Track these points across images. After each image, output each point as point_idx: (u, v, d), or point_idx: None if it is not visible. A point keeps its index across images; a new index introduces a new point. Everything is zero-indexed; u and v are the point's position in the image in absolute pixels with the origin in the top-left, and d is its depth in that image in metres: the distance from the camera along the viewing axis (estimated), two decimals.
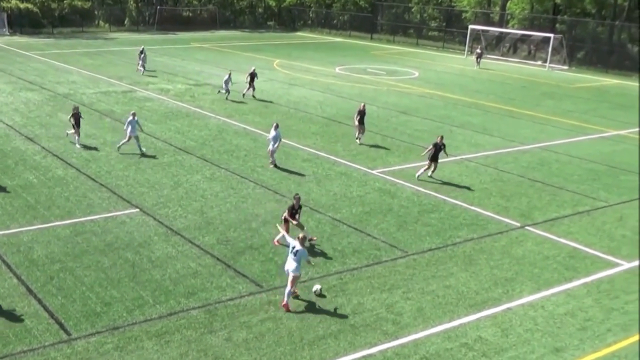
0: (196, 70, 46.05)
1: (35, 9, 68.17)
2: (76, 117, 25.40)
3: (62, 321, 13.30)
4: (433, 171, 23.26)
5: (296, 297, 14.53)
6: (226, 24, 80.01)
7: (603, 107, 39.63)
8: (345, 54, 59.37)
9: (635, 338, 13.66)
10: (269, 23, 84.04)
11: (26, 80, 39.88)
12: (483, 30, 63.70)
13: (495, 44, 65.17)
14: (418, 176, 23.09)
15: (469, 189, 22.66)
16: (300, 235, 14.25)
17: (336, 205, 20.44)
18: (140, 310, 13.79)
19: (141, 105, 33.55)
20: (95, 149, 25.40)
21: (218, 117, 31.57)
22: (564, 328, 13.94)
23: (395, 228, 18.84)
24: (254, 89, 36.56)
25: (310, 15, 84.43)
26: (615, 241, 18.77)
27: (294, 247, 14.07)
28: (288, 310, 13.96)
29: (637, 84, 50.22)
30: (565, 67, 57.21)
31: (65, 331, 12.97)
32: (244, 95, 36.47)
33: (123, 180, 21.80)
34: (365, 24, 76.87)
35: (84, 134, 26.81)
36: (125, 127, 24.88)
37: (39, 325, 13.14)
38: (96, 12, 74.59)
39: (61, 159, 23.95)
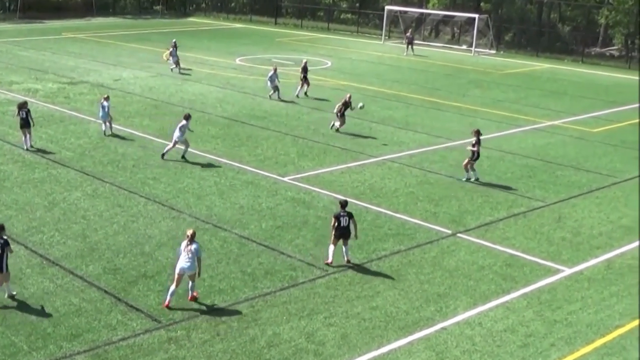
0: (70, 65, 44.85)
1: None
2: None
3: None
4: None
5: (194, 299, 15.56)
6: (104, 10, 78.32)
7: (535, 95, 41.26)
8: (246, 42, 59.30)
9: (580, 352, 14.26)
10: (155, 7, 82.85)
11: None
12: (401, 12, 65.05)
13: (415, 27, 66.63)
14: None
15: (393, 193, 23.06)
16: (190, 232, 15.32)
17: (243, 220, 20.35)
18: None
19: (3, 109, 32.32)
20: None
21: (99, 121, 30.80)
22: (504, 346, 14.38)
23: (312, 243, 18.93)
24: (308, 85, 37.34)
25: None
26: (554, 245, 19.54)
27: (188, 245, 15.20)
28: (168, 307, 15.22)
29: (569, 68, 52.55)
30: (493, 52, 59.22)
31: None
32: (297, 95, 36.98)
33: None
34: (268, 6, 76.94)
35: None
36: (100, 115, 28.59)
37: None
38: None
39: None
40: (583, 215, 21.92)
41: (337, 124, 30.24)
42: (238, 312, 15.25)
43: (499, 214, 21.66)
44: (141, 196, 21.96)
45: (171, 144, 25.76)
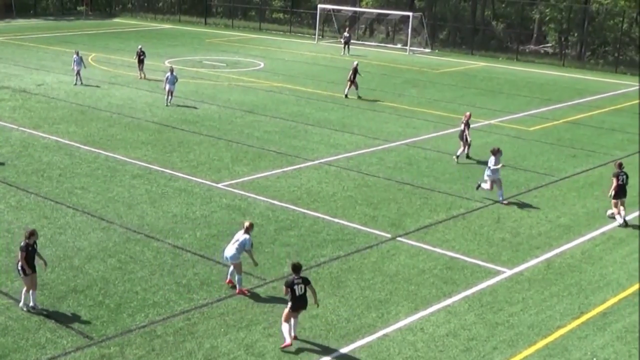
0: None
1: None
2: None
3: None
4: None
5: (242, 293, 16.47)
6: (24, 12, 76.60)
7: (470, 94, 41.97)
8: (175, 43, 58.77)
9: (522, 354, 14.57)
10: (79, 8, 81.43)
11: None
12: (334, 10, 65.38)
13: (349, 26, 67.06)
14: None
15: (330, 198, 23.15)
16: (247, 223, 16.37)
17: (176, 229, 20.15)
18: None
19: None
20: None
21: (22, 128, 30.15)
22: (446, 351, 14.58)
23: None
24: (357, 87, 38.83)
25: None
26: (494, 246, 19.91)
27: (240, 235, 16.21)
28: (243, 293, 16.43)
29: (504, 66, 53.66)
30: (428, 50, 60.02)
31: None
32: (346, 96, 38.81)
33: None
34: (197, 6, 76.41)
35: None
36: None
37: None
38: None
39: None
40: (522, 215, 22.40)
41: (461, 150, 27.71)
42: (174, 326, 15.08)
43: (438, 216, 21.95)
44: (69, 207, 21.53)
45: (488, 185, 23.36)
